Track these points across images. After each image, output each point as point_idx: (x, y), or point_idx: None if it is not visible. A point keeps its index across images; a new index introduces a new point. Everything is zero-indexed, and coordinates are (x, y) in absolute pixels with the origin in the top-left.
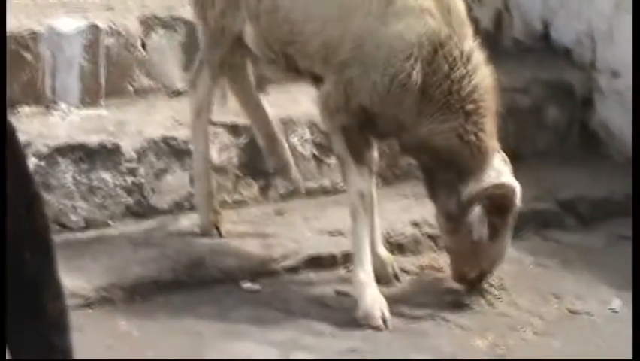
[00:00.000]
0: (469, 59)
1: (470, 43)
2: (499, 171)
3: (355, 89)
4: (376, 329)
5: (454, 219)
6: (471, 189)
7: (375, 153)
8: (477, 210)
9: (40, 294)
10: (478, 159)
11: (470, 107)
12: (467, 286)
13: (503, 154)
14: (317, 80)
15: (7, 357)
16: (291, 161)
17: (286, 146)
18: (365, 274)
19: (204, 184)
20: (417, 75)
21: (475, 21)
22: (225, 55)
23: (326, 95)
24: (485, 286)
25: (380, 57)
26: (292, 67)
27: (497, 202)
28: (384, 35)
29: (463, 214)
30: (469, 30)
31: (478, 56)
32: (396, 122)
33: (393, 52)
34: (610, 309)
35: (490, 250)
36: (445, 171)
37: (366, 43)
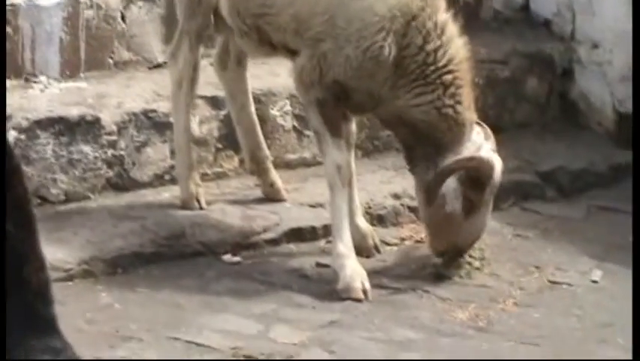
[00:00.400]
0: (443, 31)
1: (444, 14)
2: (478, 144)
3: (329, 63)
4: (357, 300)
5: (431, 192)
6: (445, 163)
7: (354, 125)
8: (451, 183)
9: (24, 266)
10: (455, 132)
11: (447, 78)
12: (445, 260)
13: (486, 127)
14: (292, 54)
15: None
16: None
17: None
18: (344, 246)
19: (185, 156)
20: (390, 48)
21: None
22: (202, 25)
23: (300, 69)
24: (466, 258)
25: (352, 31)
26: (265, 40)
27: (472, 175)
28: (355, 9)
29: (438, 186)
30: (441, 2)
31: (452, 28)
32: (371, 96)
33: (364, 25)
34: (590, 281)
35: (466, 224)
36: (423, 144)
37: (337, 17)
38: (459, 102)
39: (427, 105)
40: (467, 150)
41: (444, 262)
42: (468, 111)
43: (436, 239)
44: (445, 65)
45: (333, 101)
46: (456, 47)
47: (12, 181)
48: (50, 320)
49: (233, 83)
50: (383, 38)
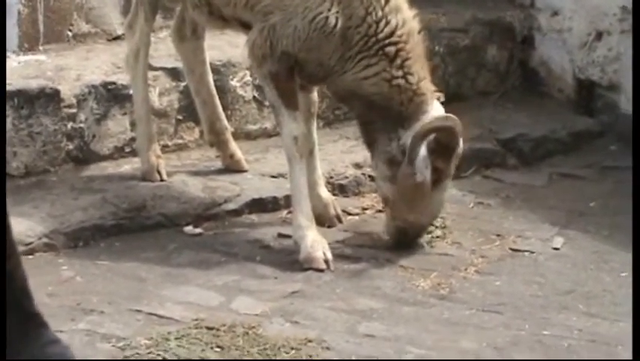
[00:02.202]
0: (386, 1)
1: None
2: (442, 113)
3: (278, 36)
4: (319, 270)
5: (395, 165)
6: (414, 129)
7: (315, 95)
8: (422, 151)
9: (8, 261)
10: (417, 102)
11: (389, 50)
12: (403, 241)
13: (440, 95)
14: (246, 27)
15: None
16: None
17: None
18: (304, 216)
19: (145, 128)
20: (334, 19)
21: None
22: None
23: (252, 43)
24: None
25: (298, 2)
26: (216, 13)
27: (442, 142)
28: None
29: (409, 157)
30: None
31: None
32: (322, 68)
33: None
34: (552, 248)
35: (433, 196)
36: (382, 117)
37: None
38: (409, 73)
39: (374, 77)
40: (430, 119)
41: (403, 240)
42: (423, 81)
43: (401, 212)
44: (387, 37)
45: (286, 74)
46: (402, 18)
47: None
48: (36, 315)
49: (190, 54)
50: (328, 9)
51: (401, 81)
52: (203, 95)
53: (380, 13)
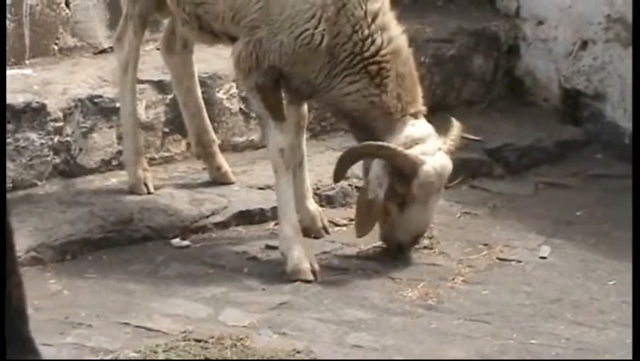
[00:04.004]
0: (373, 20)
1: (376, 3)
2: (413, 138)
3: (264, 50)
4: (306, 282)
5: (335, 172)
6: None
7: (305, 108)
8: (377, 170)
9: (8, 280)
10: (385, 122)
11: (372, 68)
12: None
13: (455, 124)
14: (235, 41)
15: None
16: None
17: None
18: (291, 228)
19: (132, 141)
20: (320, 36)
21: None
22: (146, 10)
23: (237, 56)
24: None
25: (285, 17)
26: (207, 28)
27: (397, 166)
28: None
29: (341, 168)
30: None
31: (385, 17)
32: (308, 83)
33: (296, 12)
34: (539, 257)
35: (402, 218)
36: (362, 132)
37: (271, 5)
38: (385, 92)
39: (355, 94)
40: (395, 141)
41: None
42: (398, 101)
43: (357, 224)
44: (371, 56)
45: (272, 86)
46: (387, 36)
47: None
48: (29, 340)
49: (179, 67)
50: (314, 26)
51: (376, 99)
52: (191, 108)
53: (366, 32)
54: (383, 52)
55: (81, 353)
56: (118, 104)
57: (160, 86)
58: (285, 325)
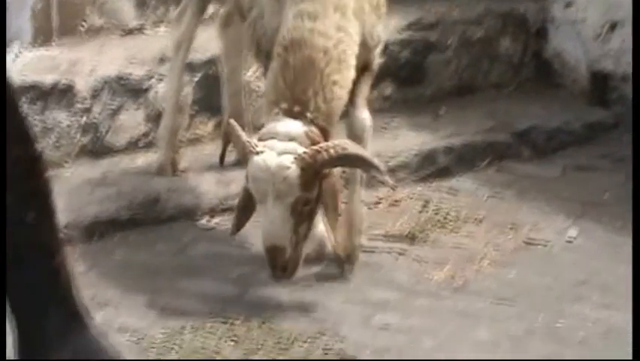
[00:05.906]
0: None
1: None
2: (274, 131)
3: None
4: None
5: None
6: None
7: None
8: None
9: (55, 257)
10: (265, 107)
11: (279, 58)
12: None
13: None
14: None
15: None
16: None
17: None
18: None
19: (170, 120)
20: None
21: None
22: None
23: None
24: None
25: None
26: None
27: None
28: None
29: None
30: None
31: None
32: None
33: None
34: (566, 239)
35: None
36: None
37: None
38: (269, 82)
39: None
40: (262, 130)
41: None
42: (274, 93)
43: None
44: (280, 44)
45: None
46: (292, 26)
47: (34, 170)
48: (79, 314)
49: (231, 43)
50: None
51: (266, 81)
52: (233, 88)
53: (290, 15)
54: (286, 42)
55: (108, 332)
56: (145, 85)
57: (188, 66)
58: (311, 305)
